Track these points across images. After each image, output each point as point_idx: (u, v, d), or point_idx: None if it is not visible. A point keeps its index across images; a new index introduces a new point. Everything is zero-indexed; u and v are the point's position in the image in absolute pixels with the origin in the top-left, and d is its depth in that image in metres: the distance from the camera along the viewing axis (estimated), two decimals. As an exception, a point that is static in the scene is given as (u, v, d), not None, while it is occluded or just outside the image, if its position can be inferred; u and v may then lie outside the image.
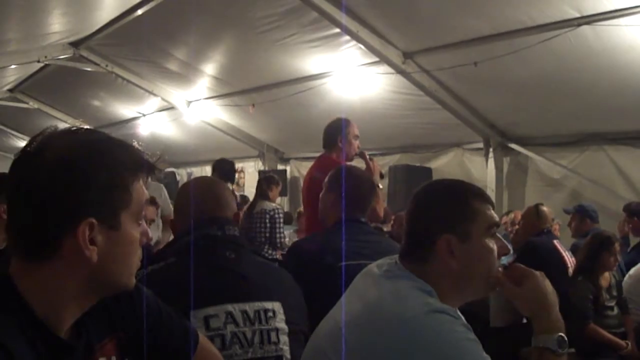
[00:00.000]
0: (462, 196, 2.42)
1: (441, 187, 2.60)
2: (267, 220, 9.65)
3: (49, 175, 1.70)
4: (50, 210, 1.69)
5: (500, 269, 2.45)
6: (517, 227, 9.10)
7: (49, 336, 1.70)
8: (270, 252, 9.59)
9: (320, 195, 4.70)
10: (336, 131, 6.56)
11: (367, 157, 6.61)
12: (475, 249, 2.34)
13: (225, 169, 9.89)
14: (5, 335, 1.58)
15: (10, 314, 1.64)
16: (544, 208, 7.94)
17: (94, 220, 1.71)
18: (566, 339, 2.33)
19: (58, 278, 1.72)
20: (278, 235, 9.76)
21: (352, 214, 4.26)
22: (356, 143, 6.59)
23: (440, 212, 2.40)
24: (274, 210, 9.82)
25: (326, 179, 4.60)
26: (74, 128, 1.85)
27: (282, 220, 9.94)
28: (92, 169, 1.73)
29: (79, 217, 1.70)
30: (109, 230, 1.75)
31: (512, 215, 10.60)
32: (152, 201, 5.70)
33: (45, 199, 1.69)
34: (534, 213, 7.81)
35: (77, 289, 1.76)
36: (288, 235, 10.56)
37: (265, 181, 10.23)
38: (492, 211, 2.43)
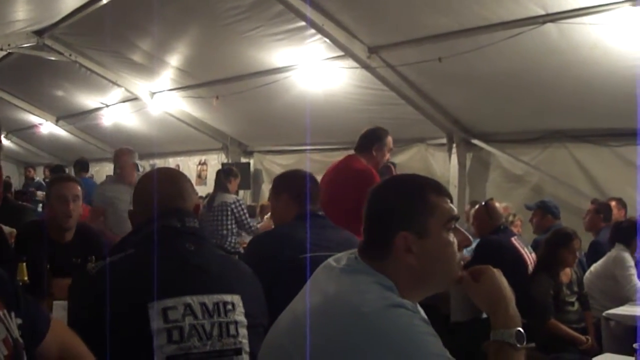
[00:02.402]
0: (417, 191, 2.40)
1: (396, 183, 2.59)
2: (229, 213, 9.65)
3: None
4: None
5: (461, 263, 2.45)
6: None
7: None
8: (232, 244, 9.60)
9: (270, 204, 4.89)
10: (374, 139, 6.76)
11: (393, 170, 6.78)
12: (434, 244, 2.33)
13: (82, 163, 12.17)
14: None
15: None
16: (496, 204, 7.95)
17: None
18: (524, 333, 2.34)
19: None
20: (247, 224, 9.92)
21: (309, 208, 4.29)
22: (388, 155, 6.74)
23: (396, 209, 2.38)
24: (235, 202, 9.86)
25: (271, 188, 4.72)
26: None
27: (245, 209, 10.00)
28: None
29: None
30: None
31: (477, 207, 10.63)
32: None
33: None
34: (484, 212, 7.80)
35: None
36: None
37: (224, 173, 10.29)
38: (450, 204, 2.41)
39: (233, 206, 9.81)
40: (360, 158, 6.63)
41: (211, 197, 10.06)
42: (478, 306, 2.48)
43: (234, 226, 9.72)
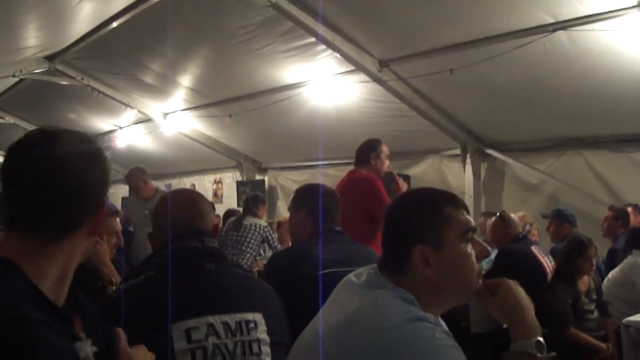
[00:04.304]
0: (433, 204, 2.41)
1: (412, 197, 2.62)
2: (258, 235, 9.85)
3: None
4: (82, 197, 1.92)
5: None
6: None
7: (54, 310, 1.83)
8: (249, 263, 9.67)
9: (289, 218, 4.90)
10: (369, 149, 6.92)
11: (396, 176, 6.87)
12: (451, 256, 2.33)
13: None
14: (32, 311, 1.73)
15: (23, 293, 1.78)
16: (510, 214, 7.94)
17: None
18: (544, 342, 2.33)
19: (69, 255, 1.93)
20: (277, 247, 10.16)
21: (325, 225, 4.29)
22: (387, 162, 6.82)
23: (412, 223, 2.39)
24: (267, 227, 10.27)
25: (290, 201, 4.73)
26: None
27: (273, 236, 10.33)
28: None
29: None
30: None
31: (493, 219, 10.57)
32: (116, 212, 5.77)
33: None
34: (500, 223, 7.79)
35: (74, 265, 1.97)
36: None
37: (252, 199, 10.44)
38: (467, 215, 2.42)
39: (267, 229, 10.14)
40: (361, 170, 6.79)
41: (240, 217, 10.21)
42: (497, 319, 2.48)
43: (257, 247, 9.85)
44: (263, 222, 10.27)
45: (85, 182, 1.92)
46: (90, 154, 1.98)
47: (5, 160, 1.94)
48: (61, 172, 1.89)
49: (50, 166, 1.88)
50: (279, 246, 10.18)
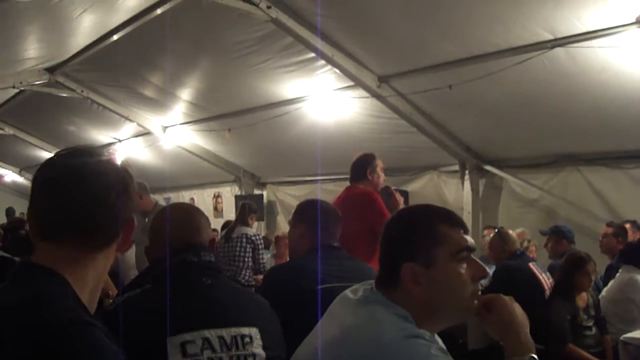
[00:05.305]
0: (425, 221, 2.39)
1: (407, 214, 2.60)
2: (248, 245, 9.73)
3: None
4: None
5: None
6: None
7: (92, 318, 1.89)
8: (246, 277, 9.60)
9: (288, 232, 4.85)
10: (365, 164, 6.86)
11: (393, 191, 6.87)
12: (441, 275, 2.31)
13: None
14: (91, 317, 1.85)
15: (73, 300, 1.86)
16: (509, 231, 7.96)
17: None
18: (537, 359, 2.33)
19: (104, 266, 2.03)
20: (260, 258, 9.86)
21: (323, 241, 4.28)
22: (382, 176, 6.80)
23: (402, 240, 2.38)
24: (255, 235, 9.98)
25: (290, 216, 4.71)
26: None
27: (262, 245, 10.05)
28: None
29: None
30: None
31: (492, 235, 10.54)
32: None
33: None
34: (499, 239, 7.82)
35: (104, 277, 2.08)
36: (267, 260, 10.58)
37: (248, 207, 10.36)
38: (463, 234, 2.38)
39: (254, 237, 9.93)
40: (359, 186, 6.76)
41: (230, 229, 10.14)
42: (491, 335, 2.46)
43: (250, 260, 9.75)
44: (251, 231, 10.15)
45: (122, 197, 2.01)
46: (124, 170, 2.07)
47: (44, 173, 2.01)
48: (105, 187, 1.98)
49: (94, 180, 1.97)
50: (262, 255, 10.04)
